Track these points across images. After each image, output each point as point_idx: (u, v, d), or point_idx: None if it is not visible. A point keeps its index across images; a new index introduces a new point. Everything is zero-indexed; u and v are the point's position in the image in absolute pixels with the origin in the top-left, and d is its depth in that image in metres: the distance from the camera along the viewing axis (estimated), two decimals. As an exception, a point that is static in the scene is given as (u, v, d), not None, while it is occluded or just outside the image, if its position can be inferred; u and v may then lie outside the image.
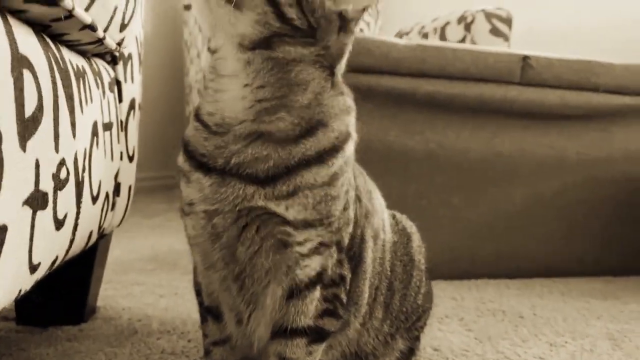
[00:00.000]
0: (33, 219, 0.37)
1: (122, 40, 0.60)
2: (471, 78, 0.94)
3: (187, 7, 2.12)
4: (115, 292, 0.80)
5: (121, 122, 0.65)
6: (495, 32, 1.69)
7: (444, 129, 0.95)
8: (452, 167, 0.96)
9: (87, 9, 0.46)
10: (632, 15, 2.26)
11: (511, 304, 0.82)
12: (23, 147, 0.35)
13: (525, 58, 0.97)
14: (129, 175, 0.69)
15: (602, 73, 1.01)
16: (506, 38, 1.71)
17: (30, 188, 0.36)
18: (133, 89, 0.69)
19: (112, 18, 0.53)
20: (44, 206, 0.39)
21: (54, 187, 0.41)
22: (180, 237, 1.43)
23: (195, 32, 1.68)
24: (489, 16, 1.69)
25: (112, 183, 0.61)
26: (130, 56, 0.67)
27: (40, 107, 0.38)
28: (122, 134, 0.65)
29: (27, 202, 0.36)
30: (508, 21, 1.72)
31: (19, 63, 0.35)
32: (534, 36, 2.34)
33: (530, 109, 0.99)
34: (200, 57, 1.62)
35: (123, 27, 0.57)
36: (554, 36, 2.35)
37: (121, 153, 0.64)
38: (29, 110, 0.36)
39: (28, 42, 0.37)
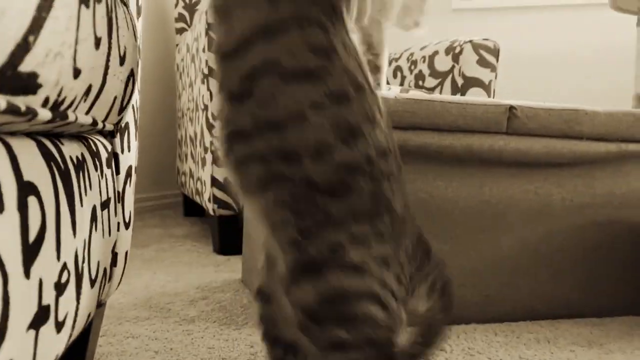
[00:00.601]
0: (36, 337, 0.38)
1: (121, 119, 0.61)
2: (460, 129, 0.96)
3: (180, 31, 2.13)
4: (111, 347, 0.81)
5: (118, 193, 0.66)
6: (482, 62, 1.72)
7: (434, 179, 0.97)
8: (442, 216, 0.98)
9: (87, 112, 0.47)
10: (610, 39, 2.31)
11: (499, 356, 0.84)
12: (27, 275, 0.36)
13: (511, 108, 1.00)
14: (125, 242, 0.70)
15: (586, 121, 1.04)
16: (493, 69, 1.75)
17: (34, 310, 0.38)
18: (130, 157, 0.71)
19: (111, 107, 0.54)
20: (46, 320, 0.40)
21: (56, 296, 0.42)
22: (173, 272, 1.45)
23: (188, 60, 1.70)
24: (476, 47, 1.73)
25: (109, 257, 0.62)
26: (127, 126, 0.68)
27: (43, 227, 0.39)
28: (119, 205, 0.66)
29: (31, 326, 0.37)
30: (495, 52, 1.75)
31: (24, 192, 0.36)
32: (518, 61, 2.39)
33: (516, 157, 1.01)
34: (192, 87, 1.63)
35: (122, 110, 0.59)
36: (536, 60, 2.39)
37: (118, 224, 0.66)
38: (32, 234, 0.37)
39: (32, 164, 0.39)
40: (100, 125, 0.51)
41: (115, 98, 0.54)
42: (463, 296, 0.99)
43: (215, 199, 1.47)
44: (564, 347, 0.90)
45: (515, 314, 1.03)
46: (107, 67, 0.49)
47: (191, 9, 2.12)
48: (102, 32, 0.46)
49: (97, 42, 0.45)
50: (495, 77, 1.74)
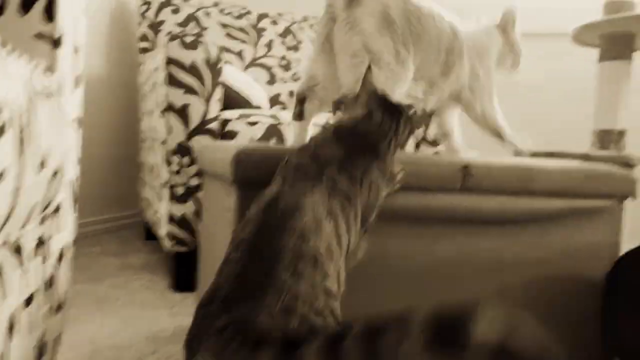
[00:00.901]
0: None
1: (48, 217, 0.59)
2: (414, 189, 0.96)
3: (143, 51, 2.09)
4: (46, 421, 0.78)
5: (50, 279, 0.63)
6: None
7: (387, 238, 0.97)
8: (395, 275, 0.97)
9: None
10: (574, 72, 2.35)
11: None
12: None
13: (465, 167, 0.99)
14: (56, 328, 0.67)
15: (539, 178, 1.05)
16: (458, 103, 1.75)
17: None
18: (64, 236, 0.68)
19: (31, 213, 0.51)
20: None
21: None
22: (124, 316, 1.41)
23: (149, 86, 1.66)
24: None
25: (35, 352, 0.59)
26: (59, 207, 0.65)
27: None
28: (49, 291, 0.63)
29: None
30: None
31: None
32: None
33: (470, 215, 1.01)
34: (151, 116, 1.60)
35: (51, 215, 0.56)
36: (500, 89, 2.42)
37: (50, 308, 0.63)
38: None
39: None
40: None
41: (35, 204, 0.51)
42: (414, 355, 0.99)
43: (172, 236, 1.43)
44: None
45: (467, 370, 1.03)
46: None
47: (155, 28, 2.08)
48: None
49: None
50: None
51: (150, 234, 2.13)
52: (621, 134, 1.73)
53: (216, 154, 1.01)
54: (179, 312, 1.30)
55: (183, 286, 1.47)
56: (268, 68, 2.20)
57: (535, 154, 1.75)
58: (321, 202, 0.64)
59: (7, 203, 0.43)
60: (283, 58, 2.23)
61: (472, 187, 1.00)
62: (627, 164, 1.60)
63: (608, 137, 1.73)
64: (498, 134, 1.20)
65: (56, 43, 0.61)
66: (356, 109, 0.80)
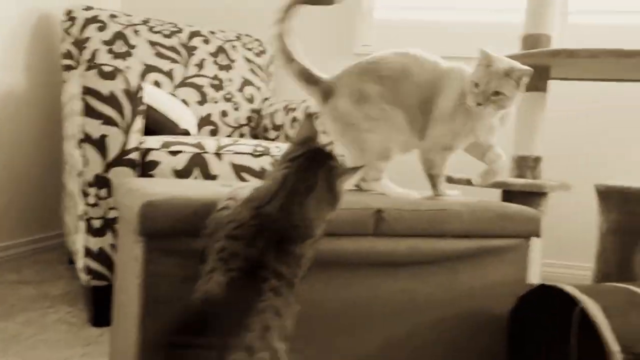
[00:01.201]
0: None
1: None
2: (326, 233, 0.97)
3: (67, 68, 2.01)
4: None
5: None
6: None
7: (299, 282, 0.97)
8: (306, 319, 0.98)
9: None
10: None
11: None
12: None
13: (378, 211, 1.02)
14: None
15: (450, 220, 1.08)
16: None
17: None
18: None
19: None
20: None
21: None
22: (34, 357, 1.34)
23: (68, 109, 1.60)
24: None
25: None
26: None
27: None
28: None
29: None
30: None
31: None
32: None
33: (382, 258, 1.03)
34: (70, 141, 1.54)
35: None
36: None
37: None
38: None
39: None
40: None
41: None
42: (327, 399, 1.00)
43: (89, 270, 1.39)
44: None
45: (380, 409, 1.05)
46: None
47: (80, 45, 2.00)
48: None
49: None
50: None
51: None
52: (537, 160, 1.82)
53: (125, 198, 0.99)
54: (93, 352, 1.26)
55: (102, 321, 1.42)
56: (199, 87, 2.17)
57: (457, 181, 1.81)
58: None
59: None
60: (215, 77, 2.21)
61: (385, 231, 1.03)
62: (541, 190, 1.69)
63: (525, 163, 1.82)
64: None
65: None
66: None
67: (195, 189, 1.00)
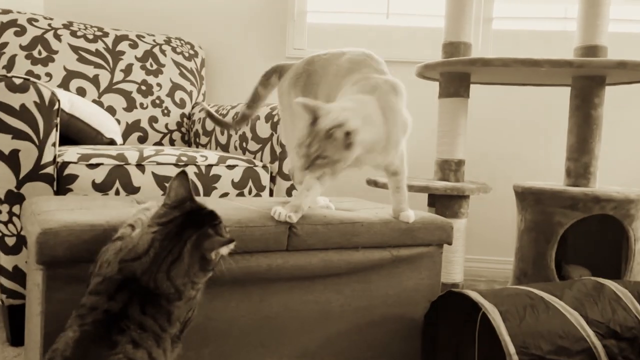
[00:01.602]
0: None
1: None
2: (236, 252, 0.98)
3: None
4: None
5: None
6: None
7: (212, 301, 0.98)
8: (220, 336, 1.00)
9: None
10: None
11: None
12: None
13: (291, 227, 1.04)
14: None
15: (362, 232, 1.12)
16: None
17: None
18: None
19: None
20: None
21: None
22: None
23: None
24: (295, 117, 1.77)
25: None
26: None
27: None
28: None
29: None
30: (313, 121, 1.81)
31: None
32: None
33: (295, 272, 1.06)
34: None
35: None
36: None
37: None
38: None
39: None
40: None
41: None
42: (242, 413, 1.02)
43: (4, 289, 1.35)
44: None
45: (297, 419, 1.08)
46: None
47: (-5, 51, 1.92)
48: None
49: None
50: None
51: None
52: (459, 163, 1.89)
53: (27, 223, 0.97)
54: (9, 374, 1.22)
55: (20, 340, 1.38)
56: (127, 94, 2.12)
57: (383, 185, 1.86)
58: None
59: None
60: (143, 82, 2.17)
61: (298, 246, 1.05)
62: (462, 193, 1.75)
63: (448, 166, 1.89)
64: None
65: None
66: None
67: (102, 210, 0.98)
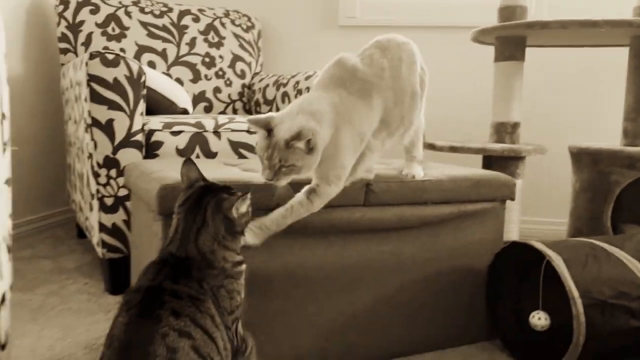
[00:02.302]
0: None
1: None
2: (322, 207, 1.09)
3: (64, 52, 2.08)
4: None
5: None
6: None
7: (301, 250, 1.10)
8: (308, 282, 1.12)
9: None
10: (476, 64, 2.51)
11: (351, 408, 1.00)
12: None
13: (368, 185, 1.14)
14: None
15: (432, 189, 1.21)
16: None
17: None
18: (2, 284, 0.76)
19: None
20: None
21: None
22: (61, 325, 1.48)
23: (72, 94, 1.68)
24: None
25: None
26: None
27: None
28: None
29: None
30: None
31: None
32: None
33: (372, 225, 1.16)
34: (77, 127, 1.63)
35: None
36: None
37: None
38: None
39: None
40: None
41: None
42: (327, 349, 1.15)
43: (104, 244, 1.51)
44: (407, 389, 1.08)
45: (374, 356, 1.20)
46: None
47: (75, 29, 2.07)
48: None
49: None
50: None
51: (82, 232, 2.18)
52: (515, 126, 1.94)
53: (141, 182, 1.10)
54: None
55: (119, 289, 1.55)
56: (192, 66, 2.25)
57: (440, 148, 1.93)
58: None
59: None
60: (206, 55, 2.29)
61: (374, 202, 1.15)
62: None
63: (503, 129, 1.94)
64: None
65: (-13, 118, 0.68)
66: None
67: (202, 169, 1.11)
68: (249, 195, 0.81)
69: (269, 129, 0.92)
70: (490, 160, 1.89)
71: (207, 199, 0.80)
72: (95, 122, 1.44)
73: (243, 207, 0.81)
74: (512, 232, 1.89)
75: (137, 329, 0.68)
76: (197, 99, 2.24)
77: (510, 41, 1.89)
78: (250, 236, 0.95)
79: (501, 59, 1.92)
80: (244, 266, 0.84)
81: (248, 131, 1.66)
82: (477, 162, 1.95)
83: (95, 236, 1.54)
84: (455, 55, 2.50)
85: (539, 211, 2.53)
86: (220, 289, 0.78)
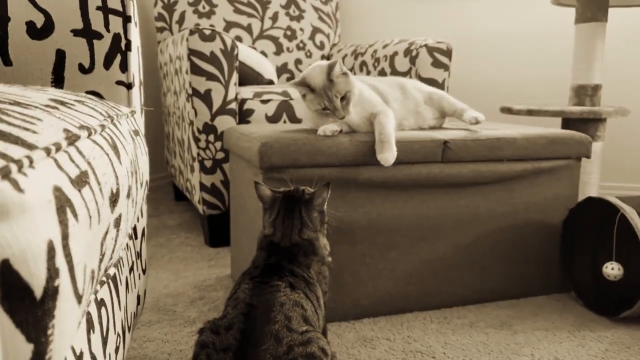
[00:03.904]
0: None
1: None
2: (401, 162, 1.19)
3: (160, 30, 2.28)
4: (134, 352, 1.07)
5: (139, 252, 0.89)
6: (436, 64, 1.93)
7: (382, 202, 1.21)
8: (389, 230, 1.23)
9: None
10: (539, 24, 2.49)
11: (430, 343, 1.12)
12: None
13: (445, 142, 1.23)
14: (143, 287, 0.93)
15: (506, 146, 1.28)
16: (446, 68, 1.96)
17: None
18: (142, 222, 0.93)
19: (136, 212, 0.76)
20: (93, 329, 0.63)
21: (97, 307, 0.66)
22: (172, 270, 1.68)
23: (171, 68, 1.87)
24: (431, 50, 1.92)
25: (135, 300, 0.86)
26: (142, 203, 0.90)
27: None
28: (139, 261, 0.89)
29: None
30: (448, 53, 1.95)
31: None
32: (469, 47, 2.58)
33: (450, 180, 1.25)
34: (177, 97, 1.82)
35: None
36: (482, 47, 2.58)
37: (140, 272, 0.89)
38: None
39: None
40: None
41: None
42: (407, 292, 1.26)
43: (205, 202, 1.69)
44: (482, 330, 1.18)
45: (450, 301, 1.30)
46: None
47: (170, 9, 2.26)
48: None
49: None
50: (449, 76, 1.95)
51: (179, 195, 2.40)
52: (596, 88, 1.93)
53: (241, 141, 1.25)
54: (216, 265, 1.58)
55: (217, 242, 1.74)
56: (275, 39, 2.38)
57: (517, 112, 1.96)
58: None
59: (133, 211, 0.68)
60: (288, 28, 2.41)
61: (451, 158, 1.24)
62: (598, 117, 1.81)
63: (584, 92, 1.93)
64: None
65: (129, 86, 0.84)
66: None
67: (292, 132, 1.24)
68: (329, 186, 0.94)
69: (308, 84, 1.14)
70: (569, 124, 1.90)
71: (296, 205, 0.92)
72: (195, 92, 1.61)
73: (326, 195, 0.94)
74: (591, 195, 1.90)
75: (260, 294, 0.79)
76: (280, 70, 2.38)
77: (592, 2, 1.87)
78: (388, 152, 1.12)
79: (582, 20, 1.91)
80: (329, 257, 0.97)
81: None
82: (557, 126, 1.96)
83: (197, 195, 1.73)
84: (534, 18, 2.48)
85: (620, 175, 2.48)
86: (319, 274, 0.92)
